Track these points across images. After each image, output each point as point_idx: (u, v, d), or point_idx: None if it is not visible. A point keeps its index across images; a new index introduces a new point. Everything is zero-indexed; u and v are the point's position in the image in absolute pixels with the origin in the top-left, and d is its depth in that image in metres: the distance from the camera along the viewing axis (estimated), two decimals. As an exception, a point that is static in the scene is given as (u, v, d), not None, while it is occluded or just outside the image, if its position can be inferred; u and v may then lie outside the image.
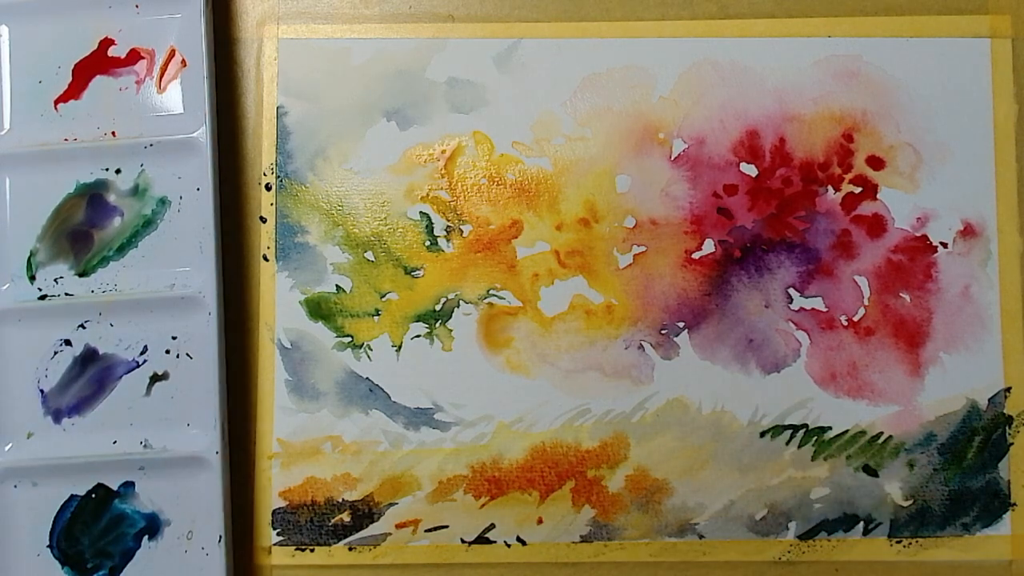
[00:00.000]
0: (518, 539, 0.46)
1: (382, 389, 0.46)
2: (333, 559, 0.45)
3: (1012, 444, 0.46)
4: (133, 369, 0.45)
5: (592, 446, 0.46)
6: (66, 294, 0.45)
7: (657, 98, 0.47)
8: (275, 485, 0.46)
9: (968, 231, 0.46)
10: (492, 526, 0.46)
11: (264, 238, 0.46)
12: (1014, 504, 0.45)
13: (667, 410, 0.46)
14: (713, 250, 0.46)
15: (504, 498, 0.46)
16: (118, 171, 0.46)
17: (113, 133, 0.46)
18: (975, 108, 0.46)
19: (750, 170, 0.46)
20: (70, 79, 0.46)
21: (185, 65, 0.46)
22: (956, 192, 0.46)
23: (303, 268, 0.46)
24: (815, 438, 0.46)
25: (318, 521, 0.46)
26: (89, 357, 0.45)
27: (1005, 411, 0.46)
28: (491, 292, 0.46)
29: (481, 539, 0.46)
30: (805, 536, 0.45)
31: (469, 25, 0.47)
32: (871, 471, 0.45)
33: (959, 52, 0.47)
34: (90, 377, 0.45)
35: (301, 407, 0.46)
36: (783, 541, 0.45)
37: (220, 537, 0.44)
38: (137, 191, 0.45)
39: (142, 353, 0.45)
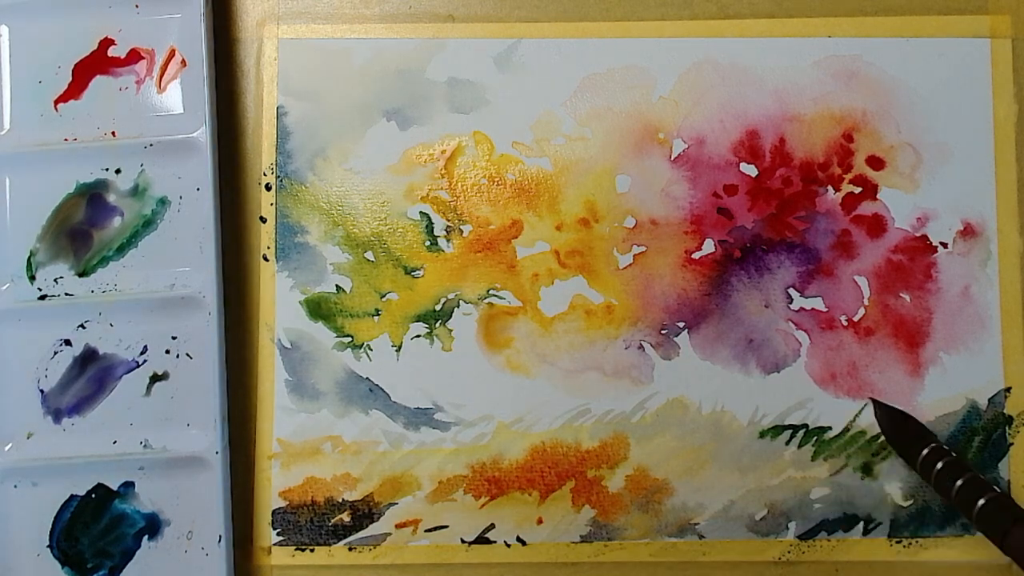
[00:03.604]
0: (518, 539, 0.46)
1: (382, 389, 0.46)
2: (333, 559, 0.45)
3: (1012, 444, 0.46)
4: (133, 369, 0.45)
5: (592, 446, 0.46)
6: (66, 294, 0.45)
7: (657, 98, 0.47)
8: (275, 485, 0.46)
9: (968, 231, 0.46)
10: (492, 526, 0.46)
11: (264, 238, 0.46)
12: (1014, 504, 0.45)
13: (667, 410, 0.46)
14: (713, 250, 0.46)
15: (504, 498, 0.46)
16: (118, 171, 0.46)
17: (113, 133, 0.46)
18: (975, 108, 0.46)
19: (750, 170, 0.46)
20: (70, 79, 0.46)
21: (185, 65, 0.46)
22: (956, 192, 0.46)
23: (303, 268, 0.46)
24: (815, 438, 0.46)
25: (318, 521, 0.46)
26: (89, 357, 0.45)
27: (1005, 411, 0.46)
28: (491, 292, 0.46)
29: (481, 539, 0.46)
30: (805, 536, 0.45)
31: (469, 25, 0.47)
32: (871, 471, 0.45)
33: (959, 52, 0.47)
34: (90, 377, 0.45)
35: (301, 407, 0.46)
36: (783, 541, 0.45)
37: (220, 537, 0.44)
38: (137, 191, 0.46)
39: (142, 353, 0.45)
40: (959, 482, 0.42)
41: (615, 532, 0.45)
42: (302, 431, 0.46)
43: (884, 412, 0.45)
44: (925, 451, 0.43)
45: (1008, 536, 0.40)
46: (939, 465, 0.42)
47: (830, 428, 0.46)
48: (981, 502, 0.41)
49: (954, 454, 0.43)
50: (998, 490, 0.41)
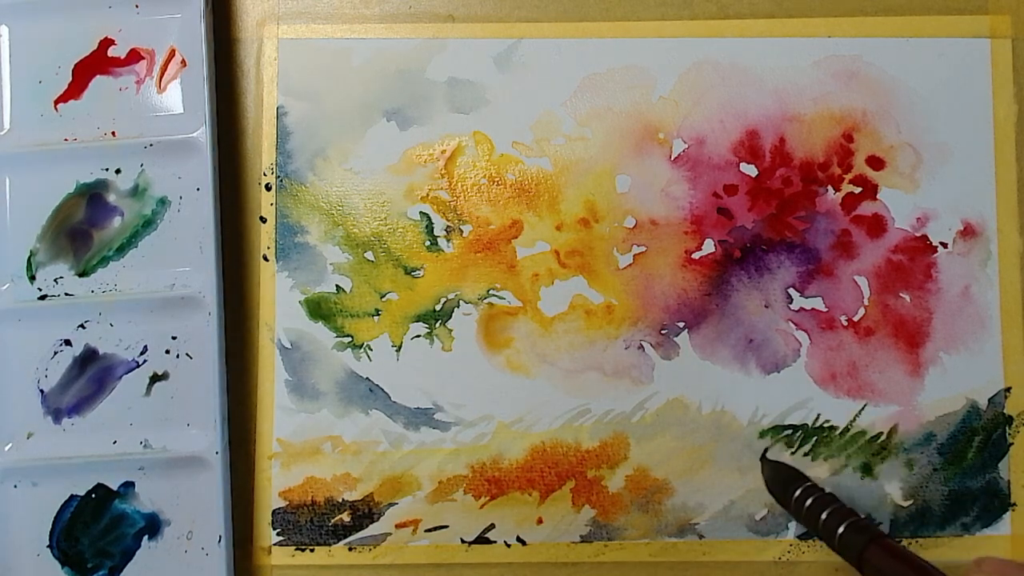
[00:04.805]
0: (518, 539, 0.46)
1: (382, 389, 0.46)
2: (333, 559, 0.45)
3: (1012, 444, 0.46)
4: (133, 369, 0.45)
5: (592, 446, 0.46)
6: (66, 294, 0.45)
7: (657, 98, 0.47)
8: (275, 485, 0.46)
9: (968, 231, 0.46)
10: (492, 526, 0.46)
11: (264, 238, 0.46)
12: (1014, 504, 0.45)
13: (667, 410, 0.46)
14: (713, 250, 0.46)
15: (504, 498, 0.46)
16: (118, 171, 0.46)
17: (113, 133, 0.46)
18: (975, 108, 0.46)
19: (750, 170, 0.46)
20: (70, 79, 0.46)
21: (185, 65, 0.46)
22: (956, 192, 0.46)
23: (303, 268, 0.46)
24: (815, 438, 0.46)
25: (318, 521, 0.46)
26: (89, 357, 0.45)
27: (1005, 411, 0.46)
28: (491, 292, 0.46)
29: (481, 539, 0.46)
30: (805, 536, 0.45)
31: (469, 25, 0.47)
32: (871, 471, 0.45)
33: (959, 52, 0.47)
34: (90, 377, 0.45)
35: (301, 407, 0.46)
36: (783, 541, 0.45)
37: (220, 537, 0.44)
38: (137, 191, 0.46)
39: (142, 353, 0.45)
40: (823, 515, 0.42)
41: (615, 532, 0.45)
42: (302, 431, 0.46)
43: (768, 465, 0.45)
44: (797, 491, 0.43)
45: (863, 555, 0.40)
46: (808, 502, 0.42)
47: (830, 428, 0.46)
48: (841, 529, 0.41)
49: (826, 491, 0.43)
50: (859, 516, 0.42)
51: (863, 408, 0.46)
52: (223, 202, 0.46)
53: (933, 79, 0.46)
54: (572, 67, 0.47)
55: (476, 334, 0.46)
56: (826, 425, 0.46)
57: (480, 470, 0.46)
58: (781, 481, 0.44)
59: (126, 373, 0.45)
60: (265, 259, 0.46)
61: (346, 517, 0.46)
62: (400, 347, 0.46)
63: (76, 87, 0.46)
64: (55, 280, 0.46)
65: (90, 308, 0.45)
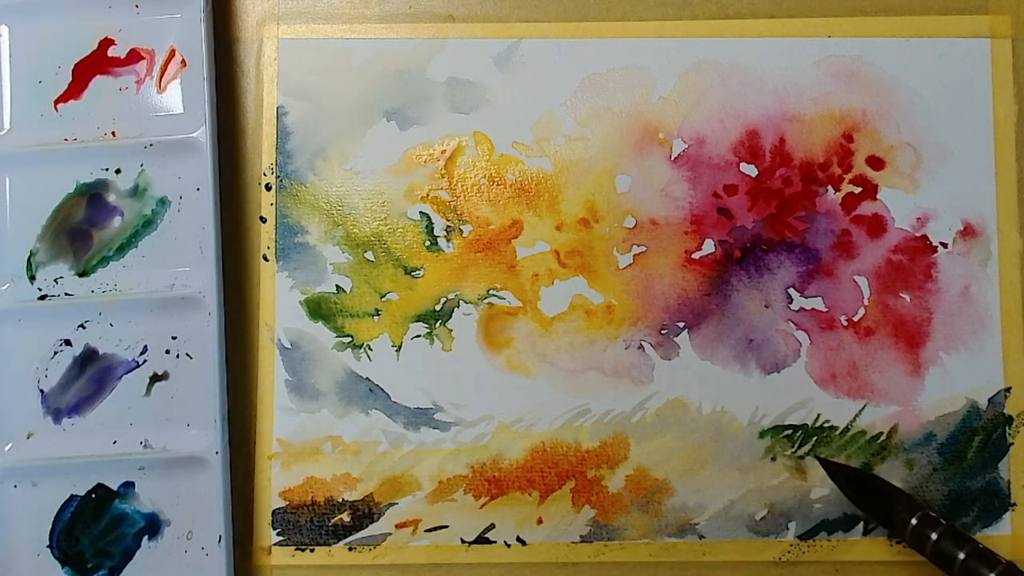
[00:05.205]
0: (518, 539, 0.46)
1: (382, 389, 0.46)
2: (333, 559, 0.45)
3: (1012, 444, 0.46)
4: (133, 369, 0.45)
5: (592, 446, 0.46)
6: (66, 294, 0.45)
7: (657, 98, 0.47)
8: (275, 485, 0.46)
9: (968, 231, 0.46)
10: (492, 526, 0.46)
11: (264, 238, 0.46)
12: (1014, 504, 0.45)
13: (667, 410, 0.46)
14: (713, 250, 0.46)
15: (504, 498, 0.46)
16: (118, 171, 0.46)
17: (113, 133, 0.46)
18: (975, 108, 0.46)
19: (750, 170, 0.46)
20: (70, 79, 0.46)
21: (185, 65, 0.46)
22: (956, 192, 0.46)
23: (303, 268, 0.46)
24: (815, 438, 0.46)
25: (318, 521, 0.46)
26: (89, 357, 0.45)
27: (1005, 411, 0.46)
28: (491, 292, 0.46)
29: (481, 539, 0.46)
30: (805, 536, 0.45)
31: (469, 25, 0.47)
32: (871, 471, 0.45)
33: (959, 52, 0.47)
34: (90, 377, 0.45)
35: (301, 407, 0.46)
36: (783, 541, 0.45)
37: (220, 537, 0.44)
38: (137, 191, 0.46)
39: (142, 353, 0.45)
40: (961, 555, 0.41)
41: (615, 532, 0.45)
42: (302, 431, 0.46)
43: (858, 477, 0.44)
44: (914, 520, 0.42)
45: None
46: (934, 536, 0.42)
47: (830, 428, 0.46)
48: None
49: (943, 521, 0.42)
50: (1004, 560, 0.41)
51: (863, 408, 0.46)
52: (223, 202, 0.46)
53: (933, 79, 0.46)
54: (572, 67, 0.47)
55: (476, 334, 0.46)
56: (826, 425, 0.46)
57: (480, 470, 0.46)
58: (878, 502, 0.43)
59: (126, 373, 0.45)
60: (265, 259, 0.46)
61: (346, 517, 0.46)
62: (400, 347, 0.46)
63: (76, 87, 0.46)
64: (55, 280, 0.46)
65: (90, 308, 0.45)
